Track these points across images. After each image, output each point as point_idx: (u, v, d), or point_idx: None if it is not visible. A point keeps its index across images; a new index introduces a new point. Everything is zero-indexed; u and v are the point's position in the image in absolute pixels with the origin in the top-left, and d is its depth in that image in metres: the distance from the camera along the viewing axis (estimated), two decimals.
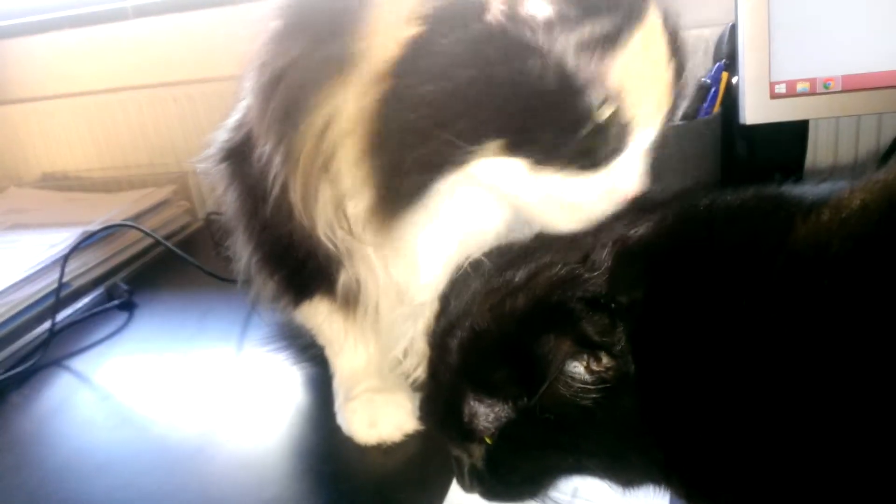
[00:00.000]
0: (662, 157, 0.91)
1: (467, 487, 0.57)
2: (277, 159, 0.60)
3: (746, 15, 0.84)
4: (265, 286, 0.75)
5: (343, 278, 0.68)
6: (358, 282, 0.67)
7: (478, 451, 0.54)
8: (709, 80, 0.94)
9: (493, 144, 0.53)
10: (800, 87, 0.85)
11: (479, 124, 0.52)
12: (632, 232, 0.52)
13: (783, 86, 0.85)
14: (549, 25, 0.51)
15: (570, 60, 0.51)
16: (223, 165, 0.71)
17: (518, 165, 0.54)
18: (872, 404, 0.40)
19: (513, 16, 0.51)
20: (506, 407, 0.51)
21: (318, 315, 0.74)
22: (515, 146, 0.53)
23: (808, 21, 0.83)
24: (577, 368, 0.48)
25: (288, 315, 0.79)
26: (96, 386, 0.92)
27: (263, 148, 0.61)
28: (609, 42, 0.51)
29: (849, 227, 0.43)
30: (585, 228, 0.55)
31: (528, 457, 0.53)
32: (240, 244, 0.74)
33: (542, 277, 0.50)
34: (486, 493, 0.56)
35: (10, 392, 0.91)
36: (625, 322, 0.47)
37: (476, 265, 0.57)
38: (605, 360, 0.47)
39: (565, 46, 0.51)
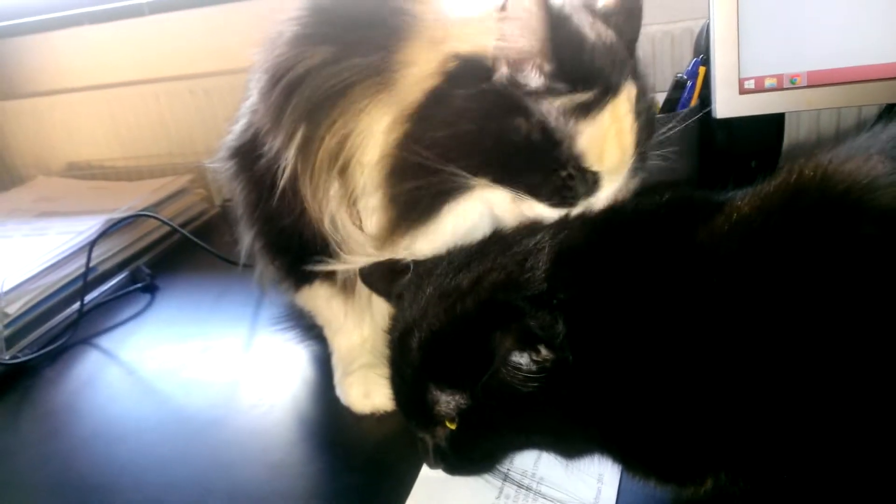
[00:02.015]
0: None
1: (432, 465, 0.63)
2: (289, 153, 0.67)
3: (718, 13, 0.89)
4: (267, 269, 0.83)
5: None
6: (351, 272, 0.74)
7: (441, 433, 0.60)
8: (685, 76, 0.99)
9: (486, 180, 0.63)
10: (768, 82, 0.89)
11: (475, 165, 0.62)
12: (564, 236, 0.58)
13: (752, 81, 0.90)
14: (538, 93, 0.61)
15: (552, 122, 0.61)
16: (231, 163, 0.78)
17: (505, 196, 0.64)
18: (752, 380, 0.47)
19: (512, 81, 0.61)
20: (463, 396, 0.56)
21: (318, 298, 0.80)
22: (502, 183, 0.63)
23: (776, 20, 0.87)
24: (522, 359, 0.53)
25: (289, 297, 0.86)
26: (122, 362, 0.99)
27: (272, 143, 0.68)
28: (583, 111, 0.62)
29: (736, 231, 0.50)
30: (521, 234, 0.61)
31: (486, 437, 0.59)
32: (244, 231, 0.81)
33: (485, 282, 0.56)
34: (449, 469, 0.62)
35: (44, 368, 0.98)
36: (563, 317, 0.52)
37: (424, 267, 0.63)
38: (544, 351, 0.52)
39: (549, 110, 0.61)
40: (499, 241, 0.60)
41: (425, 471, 0.67)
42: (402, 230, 0.66)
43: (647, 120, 0.66)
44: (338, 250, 0.71)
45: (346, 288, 0.78)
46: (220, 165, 0.80)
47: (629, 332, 0.51)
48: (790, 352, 0.46)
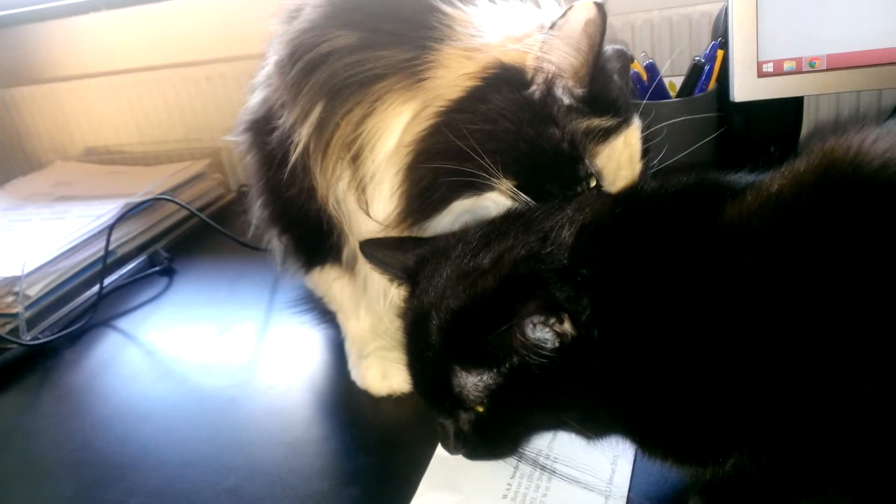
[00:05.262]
0: (660, 131, 0.97)
1: (452, 450, 0.61)
2: (303, 129, 0.68)
3: None
4: (273, 240, 0.85)
5: (347, 248, 0.75)
6: (355, 254, 0.75)
7: (465, 417, 0.59)
8: (703, 59, 0.99)
9: (509, 183, 0.65)
10: (786, 66, 0.89)
11: (506, 163, 0.64)
12: (587, 213, 0.57)
13: (770, 65, 0.89)
14: (570, 109, 0.65)
15: (578, 138, 0.65)
16: (247, 135, 0.80)
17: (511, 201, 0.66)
18: (784, 358, 0.47)
19: (547, 94, 0.65)
20: (491, 375, 0.55)
21: (329, 281, 0.81)
22: (524, 188, 0.65)
23: (795, 2, 0.86)
24: (545, 333, 0.52)
25: (298, 278, 0.87)
26: (140, 343, 1.00)
27: (287, 117, 0.70)
28: (602, 135, 0.66)
29: (766, 209, 0.49)
30: (541, 213, 0.61)
31: (515, 417, 0.58)
32: (254, 199, 0.83)
33: (507, 258, 0.55)
34: (470, 454, 0.61)
35: (64, 350, 1.00)
36: (587, 292, 0.51)
37: (437, 249, 0.63)
38: (567, 324, 0.51)
39: (577, 127, 0.65)
40: (517, 220, 0.60)
41: (440, 451, 0.67)
42: (409, 221, 0.68)
43: (645, 152, 0.72)
44: (345, 230, 0.72)
45: (354, 271, 0.79)
46: (236, 139, 0.81)
47: (653, 309, 0.51)
48: (822, 329, 0.46)
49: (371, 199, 0.70)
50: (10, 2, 1.63)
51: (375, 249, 0.67)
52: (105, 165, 1.57)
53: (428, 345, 0.58)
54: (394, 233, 0.69)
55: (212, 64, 1.51)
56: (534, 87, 0.65)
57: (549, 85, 0.65)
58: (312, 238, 0.77)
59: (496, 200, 0.66)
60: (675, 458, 0.55)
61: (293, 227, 0.79)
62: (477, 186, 0.65)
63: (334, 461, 0.72)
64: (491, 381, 0.55)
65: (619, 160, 0.68)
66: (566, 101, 0.65)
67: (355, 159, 0.68)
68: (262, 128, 0.76)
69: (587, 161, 0.66)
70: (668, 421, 0.53)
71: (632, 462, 0.63)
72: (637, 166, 0.70)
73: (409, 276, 0.63)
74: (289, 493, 0.67)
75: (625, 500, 0.60)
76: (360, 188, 0.70)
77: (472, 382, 0.56)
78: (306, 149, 0.69)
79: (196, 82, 1.54)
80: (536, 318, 0.51)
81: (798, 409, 0.47)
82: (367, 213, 0.71)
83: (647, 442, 0.56)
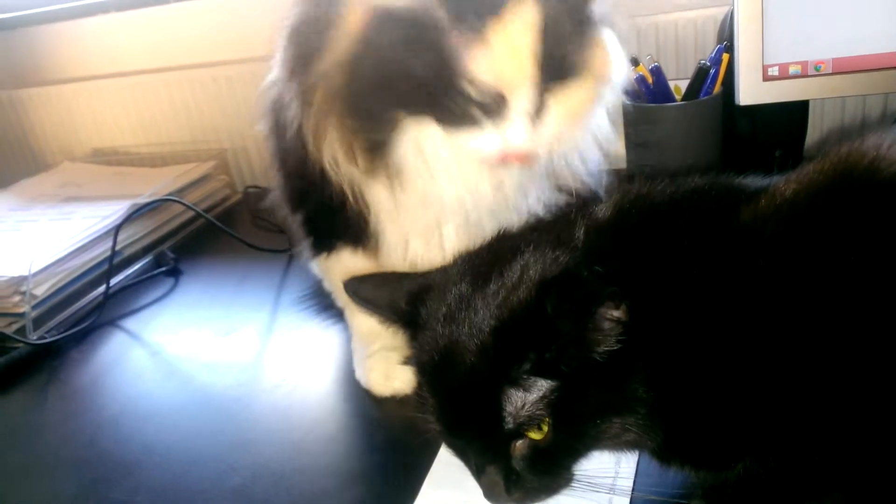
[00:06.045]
0: (666, 134, 0.97)
1: (504, 498, 0.55)
2: (296, 102, 0.69)
3: (742, 0, 0.88)
4: (289, 220, 0.85)
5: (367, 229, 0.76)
6: (377, 236, 0.76)
7: (520, 451, 0.54)
8: (708, 63, 0.99)
9: (409, 111, 0.66)
10: (792, 69, 0.89)
11: (398, 96, 0.66)
12: (600, 213, 0.57)
13: (776, 68, 0.89)
14: (440, 28, 0.63)
15: (449, 51, 0.63)
16: (267, 117, 0.80)
17: (436, 130, 0.67)
18: (801, 363, 0.47)
19: (418, 23, 0.63)
20: (553, 384, 0.51)
21: (339, 269, 0.79)
22: (421, 113, 0.67)
23: (800, 5, 0.86)
24: (606, 323, 0.50)
25: (311, 266, 0.87)
26: (146, 343, 1.01)
27: (288, 95, 0.71)
28: (478, 35, 0.63)
29: (781, 212, 0.49)
30: (551, 216, 0.61)
31: (580, 430, 0.53)
32: (274, 184, 0.84)
33: (532, 267, 0.54)
34: (525, 496, 0.56)
35: (70, 349, 1.00)
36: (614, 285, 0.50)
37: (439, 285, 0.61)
38: (622, 309, 0.50)
39: (449, 43, 0.63)
40: (524, 236, 0.59)
41: (443, 452, 0.67)
42: (364, 160, 0.69)
43: (552, 36, 0.65)
44: (348, 197, 0.73)
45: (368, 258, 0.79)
46: (259, 121, 0.82)
47: (667, 311, 0.50)
48: (837, 334, 0.46)
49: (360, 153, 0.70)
50: (18, 4, 1.64)
51: (360, 288, 0.65)
52: (112, 166, 1.57)
53: (468, 377, 0.54)
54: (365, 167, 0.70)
55: (218, 66, 1.52)
56: (406, 19, 0.64)
57: (420, 10, 0.63)
58: (322, 214, 0.77)
59: (427, 131, 0.67)
60: (692, 463, 0.54)
61: (303, 202, 0.79)
62: (392, 121, 0.67)
63: (339, 460, 0.72)
64: (552, 393, 0.52)
65: (499, 54, 0.64)
66: (440, 22, 0.63)
67: (335, 112, 0.69)
68: (277, 107, 0.76)
69: (462, 68, 0.64)
70: (686, 428, 0.52)
71: (635, 461, 0.63)
72: (523, 56, 0.64)
73: (406, 319, 0.60)
74: (294, 492, 0.67)
75: (628, 499, 0.60)
76: (347, 143, 0.70)
77: (532, 399, 0.52)
78: (299, 119, 0.70)
79: (203, 84, 1.54)
80: (605, 308, 0.50)
81: (811, 413, 0.47)
82: (362, 170, 0.70)
83: (663, 448, 0.55)
